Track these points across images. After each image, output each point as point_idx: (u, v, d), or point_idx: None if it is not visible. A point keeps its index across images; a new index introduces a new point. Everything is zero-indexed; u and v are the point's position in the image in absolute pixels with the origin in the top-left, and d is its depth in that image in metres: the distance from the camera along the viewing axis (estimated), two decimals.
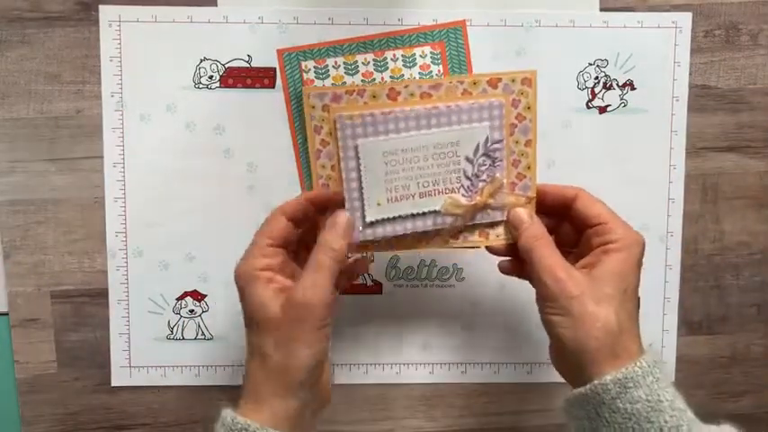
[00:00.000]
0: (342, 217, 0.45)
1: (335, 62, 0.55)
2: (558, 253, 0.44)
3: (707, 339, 0.60)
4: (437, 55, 0.56)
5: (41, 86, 0.56)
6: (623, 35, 0.57)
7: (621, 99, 0.58)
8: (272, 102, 0.57)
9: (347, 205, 0.46)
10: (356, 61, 0.55)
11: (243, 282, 0.44)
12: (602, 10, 0.57)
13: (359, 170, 0.45)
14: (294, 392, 0.42)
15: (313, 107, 0.46)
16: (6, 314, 0.58)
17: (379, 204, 0.46)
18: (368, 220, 0.46)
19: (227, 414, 0.42)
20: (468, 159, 0.46)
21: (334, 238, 0.44)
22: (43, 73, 0.56)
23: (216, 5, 0.56)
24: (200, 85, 0.56)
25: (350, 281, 0.51)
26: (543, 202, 0.47)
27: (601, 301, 0.42)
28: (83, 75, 0.56)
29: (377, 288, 0.59)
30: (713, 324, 0.60)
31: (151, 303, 0.58)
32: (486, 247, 0.49)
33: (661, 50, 0.57)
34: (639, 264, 0.44)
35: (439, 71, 0.56)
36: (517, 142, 0.47)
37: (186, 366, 0.59)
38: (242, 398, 0.43)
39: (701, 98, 0.58)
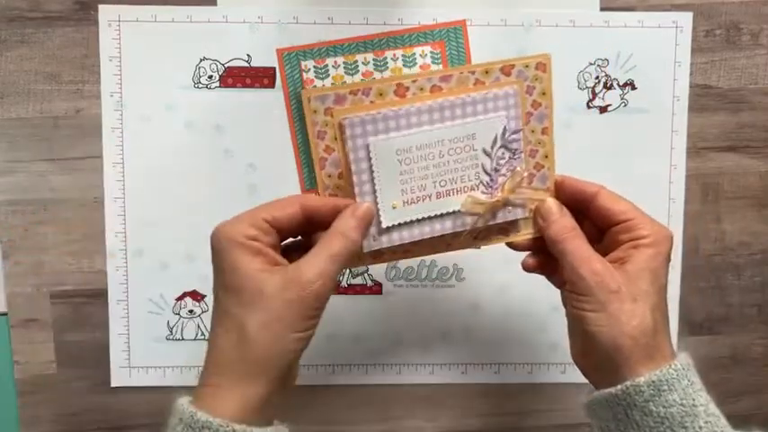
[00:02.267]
0: (363, 207, 0.41)
1: (335, 62, 0.55)
2: (590, 245, 0.42)
3: (707, 340, 0.60)
4: (437, 54, 0.56)
5: (41, 86, 0.56)
6: (624, 35, 0.57)
7: (622, 99, 0.58)
8: (272, 102, 0.57)
9: None
10: (356, 61, 0.55)
11: (225, 244, 0.39)
12: (602, 10, 0.57)
13: (371, 171, 0.42)
14: (271, 379, 0.38)
15: (315, 111, 0.42)
16: (6, 314, 0.58)
17: (394, 208, 0.42)
18: (384, 225, 0.42)
19: (184, 406, 0.37)
20: (485, 152, 0.43)
21: (350, 226, 0.40)
22: (43, 73, 0.56)
23: (216, 5, 0.56)
24: (200, 85, 0.56)
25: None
26: (560, 196, 0.45)
27: (637, 299, 0.40)
28: (82, 75, 0.56)
29: (377, 288, 0.59)
30: (714, 324, 0.60)
31: (151, 303, 0.58)
32: (508, 244, 0.46)
33: (662, 50, 0.57)
34: (669, 259, 0.42)
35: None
36: (533, 131, 0.45)
37: (186, 366, 0.58)
38: (204, 378, 0.39)
39: (702, 98, 0.58)
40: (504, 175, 0.44)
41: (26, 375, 0.58)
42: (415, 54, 0.56)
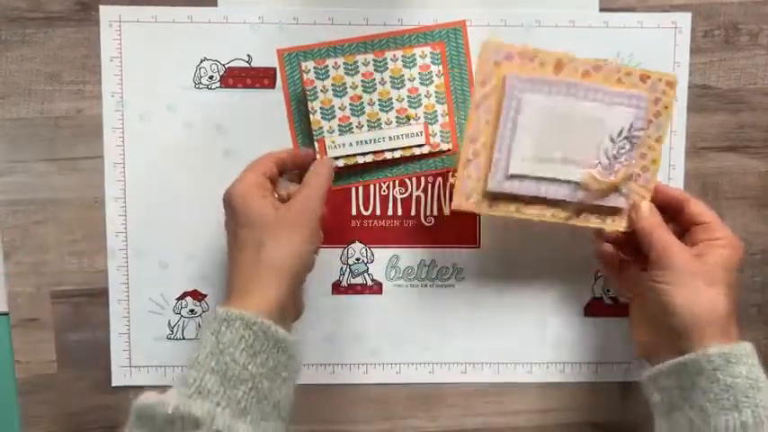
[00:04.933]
0: (323, 159, 0.54)
1: (335, 62, 0.55)
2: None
3: None
4: (437, 55, 0.56)
5: (42, 86, 0.56)
6: (623, 35, 0.57)
7: None
8: (272, 102, 0.57)
9: (496, 155, 0.50)
10: (356, 61, 0.55)
11: (239, 199, 0.48)
12: (601, 10, 0.57)
13: (515, 122, 0.49)
14: (286, 282, 0.46)
15: (486, 60, 0.50)
16: (6, 314, 0.58)
17: (523, 160, 0.49)
18: (511, 172, 0.50)
19: (219, 308, 0.44)
20: (611, 139, 0.50)
21: (322, 165, 0.52)
22: (43, 73, 0.56)
23: (216, 5, 0.56)
24: (201, 85, 0.56)
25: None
26: (654, 200, 0.51)
27: (714, 284, 0.46)
28: (83, 75, 0.56)
29: (377, 288, 0.59)
30: None
31: (151, 303, 0.58)
32: (597, 233, 0.53)
33: (661, 50, 0.57)
34: (738, 265, 0.49)
35: (439, 71, 0.56)
36: (649, 136, 0.51)
37: (187, 366, 0.58)
38: (231, 294, 0.46)
39: (701, 98, 0.58)
40: (621, 163, 0.50)
41: (27, 375, 0.58)
42: (414, 55, 0.56)
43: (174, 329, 0.58)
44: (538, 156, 0.50)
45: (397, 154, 0.56)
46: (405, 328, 0.59)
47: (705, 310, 0.45)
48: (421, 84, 0.56)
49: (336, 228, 0.58)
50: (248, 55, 0.56)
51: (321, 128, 0.55)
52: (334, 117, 0.55)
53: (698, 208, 0.50)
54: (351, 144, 0.55)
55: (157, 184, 0.57)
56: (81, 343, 0.58)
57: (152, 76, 0.56)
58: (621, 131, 0.50)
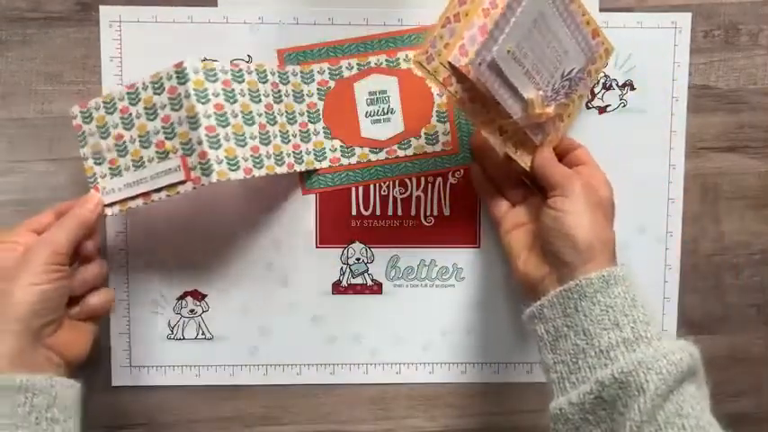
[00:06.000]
0: (89, 197, 0.50)
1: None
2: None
3: (706, 339, 0.60)
4: None
5: (42, 86, 0.56)
6: (623, 35, 0.57)
7: (621, 99, 0.58)
8: None
9: (481, 29, 0.46)
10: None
11: None
12: (601, 10, 0.57)
13: (513, 8, 0.46)
14: (14, 331, 0.44)
15: None
16: None
17: (509, 52, 0.46)
18: (490, 58, 0.45)
19: None
20: (562, 74, 0.50)
21: (78, 210, 0.49)
22: (44, 73, 0.56)
23: (216, 5, 0.56)
24: None
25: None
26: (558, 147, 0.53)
27: (608, 216, 0.50)
28: (83, 75, 0.56)
29: (377, 288, 0.59)
30: (713, 324, 0.60)
31: (151, 303, 0.58)
32: (507, 156, 0.51)
33: (661, 50, 0.57)
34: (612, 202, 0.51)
35: None
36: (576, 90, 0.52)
37: (186, 366, 0.59)
38: None
39: (701, 98, 0.58)
40: (557, 100, 0.50)
41: None
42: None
43: (174, 329, 0.58)
44: (520, 57, 0.47)
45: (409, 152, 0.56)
46: (405, 328, 0.59)
47: (600, 239, 0.47)
48: None
49: (336, 228, 0.58)
50: (248, 55, 0.56)
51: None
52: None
53: (581, 153, 0.53)
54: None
55: None
56: None
57: None
58: (571, 71, 0.50)
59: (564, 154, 0.53)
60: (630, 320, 0.44)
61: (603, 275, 0.45)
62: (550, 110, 0.49)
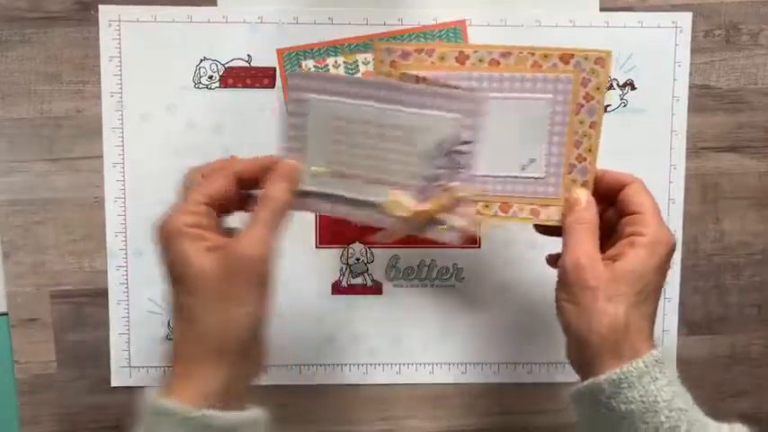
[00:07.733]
0: (286, 165, 0.42)
1: (336, 62, 0.55)
2: (595, 241, 0.43)
3: (707, 339, 0.60)
4: None
5: (41, 86, 0.56)
6: (623, 35, 0.57)
7: (621, 99, 0.58)
8: (272, 102, 0.57)
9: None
10: (356, 61, 0.55)
11: (167, 238, 0.39)
12: (602, 10, 0.57)
13: (304, 127, 0.43)
14: (229, 361, 0.38)
15: (382, 62, 0.44)
16: (6, 314, 0.58)
17: (314, 175, 0.43)
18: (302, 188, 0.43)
19: (151, 394, 0.38)
20: (427, 154, 0.43)
21: (276, 188, 0.41)
22: (43, 73, 0.56)
23: (216, 5, 0.56)
24: (200, 85, 0.56)
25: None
26: (599, 190, 0.45)
27: (613, 299, 0.40)
28: (83, 75, 0.56)
29: (377, 288, 0.59)
30: (713, 324, 0.60)
31: (151, 303, 0.58)
32: (535, 226, 0.47)
33: (661, 50, 0.57)
34: (664, 265, 0.43)
35: None
36: (582, 122, 0.45)
37: None
38: (172, 366, 0.39)
39: (702, 98, 0.58)
40: (438, 187, 0.43)
41: (26, 375, 0.58)
42: None
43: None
44: (336, 169, 0.43)
45: None
46: (405, 328, 0.59)
47: (598, 334, 0.40)
48: None
49: (336, 228, 0.58)
50: (248, 55, 0.56)
51: None
52: None
53: (634, 195, 0.44)
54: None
55: (157, 183, 0.57)
56: (80, 343, 0.58)
57: (151, 75, 0.56)
58: (441, 144, 0.42)
59: (612, 189, 0.45)
60: (652, 428, 0.39)
61: (614, 379, 0.39)
62: (428, 204, 0.43)
